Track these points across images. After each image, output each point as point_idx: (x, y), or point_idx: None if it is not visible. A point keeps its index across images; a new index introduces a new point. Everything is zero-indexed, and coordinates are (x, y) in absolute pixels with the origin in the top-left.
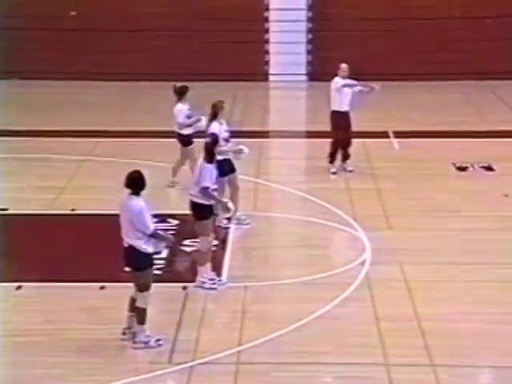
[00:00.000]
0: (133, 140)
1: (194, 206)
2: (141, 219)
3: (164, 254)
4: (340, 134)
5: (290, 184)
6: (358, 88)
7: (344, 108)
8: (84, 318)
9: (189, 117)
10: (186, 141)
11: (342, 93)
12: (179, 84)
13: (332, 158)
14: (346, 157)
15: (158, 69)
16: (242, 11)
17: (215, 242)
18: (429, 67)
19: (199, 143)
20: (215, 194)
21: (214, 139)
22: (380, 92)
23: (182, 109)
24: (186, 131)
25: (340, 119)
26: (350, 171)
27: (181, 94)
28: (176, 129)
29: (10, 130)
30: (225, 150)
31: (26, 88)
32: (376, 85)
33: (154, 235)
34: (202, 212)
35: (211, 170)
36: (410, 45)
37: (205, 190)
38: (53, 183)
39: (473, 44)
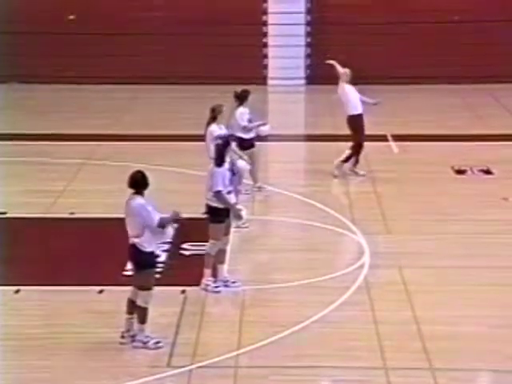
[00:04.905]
0: (132, 144)
1: (210, 210)
2: (145, 214)
3: (163, 257)
4: (362, 137)
5: (289, 187)
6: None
7: (357, 111)
8: (83, 322)
9: (249, 121)
10: (246, 144)
11: (348, 97)
12: (241, 88)
13: (347, 160)
14: (357, 161)
15: (156, 72)
16: (240, 15)
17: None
18: (428, 71)
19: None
20: (230, 196)
21: (225, 142)
22: (378, 93)
23: (244, 112)
24: (248, 135)
25: (357, 122)
26: (363, 175)
27: (243, 98)
28: (237, 132)
29: (8, 133)
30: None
31: (25, 92)
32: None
33: (161, 224)
34: (217, 216)
35: (223, 173)
36: (408, 49)
37: (218, 194)
38: (51, 187)
39: (472, 48)
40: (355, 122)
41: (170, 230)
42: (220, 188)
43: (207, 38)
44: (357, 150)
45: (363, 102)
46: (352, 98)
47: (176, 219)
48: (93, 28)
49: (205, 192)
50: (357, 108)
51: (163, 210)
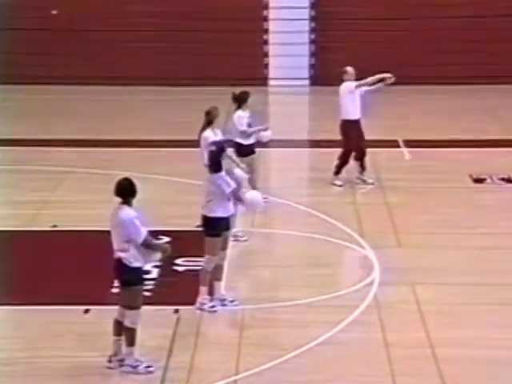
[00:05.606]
0: (122, 150)
1: (206, 222)
2: (132, 229)
3: (154, 274)
4: (353, 144)
5: (292, 197)
6: (375, 85)
7: (355, 116)
8: (66, 345)
9: (249, 125)
10: (245, 151)
11: (352, 99)
12: (240, 90)
13: (338, 170)
14: (363, 168)
15: (147, 72)
16: (238, 10)
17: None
18: (442, 70)
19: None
20: (229, 203)
21: (220, 148)
22: (388, 95)
23: (242, 116)
24: (247, 141)
25: (351, 128)
26: (371, 184)
27: (242, 100)
28: (235, 138)
29: None
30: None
31: (5, 94)
32: (388, 75)
33: (146, 244)
34: (214, 228)
35: (222, 177)
36: (421, 46)
37: (234, 194)
38: (33, 197)
39: (490, 45)
40: (347, 127)
41: (156, 256)
42: (232, 187)
43: (203, 34)
44: (346, 158)
45: (373, 92)
46: (353, 101)
47: (162, 252)
48: (79, 24)
49: (202, 202)
50: (355, 113)
51: (154, 223)
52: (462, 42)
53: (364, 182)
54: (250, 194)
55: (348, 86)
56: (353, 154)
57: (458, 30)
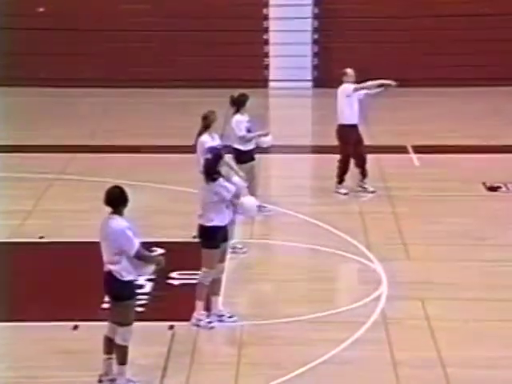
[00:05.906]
0: (112, 156)
1: (203, 232)
2: (123, 240)
3: (147, 288)
4: (351, 150)
5: (293, 206)
6: (374, 89)
7: (353, 121)
8: (54, 364)
9: (248, 130)
10: (244, 157)
11: (350, 103)
12: (238, 92)
13: (341, 178)
14: (364, 175)
15: (141, 74)
16: (237, 8)
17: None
18: (452, 71)
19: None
20: (227, 211)
21: (217, 155)
22: (396, 98)
23: (241, 120)
24: (246, 147)
25: (349, 134)
26: (372, 192)
27: (240, 103)
28: (234, 144)
29: None
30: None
31: None
32: (391, 81)
33: (139, 256)
34: (211, 239)
35: (220, 183)
36: (430, 46)
37: (232, 201)
38: (18, 206)
39: (504, 45)
40: (344, 133)
41: (149, 269)
42: (231, 193)
43: (199, 34)
44: (345, 165)
45: (371, 95)
46: (351, 105)
47: (156, 265)
48: (68, 23)
49: (198, 211)
50: (352, 118)
51: (147, 234)
52: (475, 43)
53: (365, 189)
54: (247, 200)
55: (346, 88)
56: (353, 161)
57: (470, 29)
